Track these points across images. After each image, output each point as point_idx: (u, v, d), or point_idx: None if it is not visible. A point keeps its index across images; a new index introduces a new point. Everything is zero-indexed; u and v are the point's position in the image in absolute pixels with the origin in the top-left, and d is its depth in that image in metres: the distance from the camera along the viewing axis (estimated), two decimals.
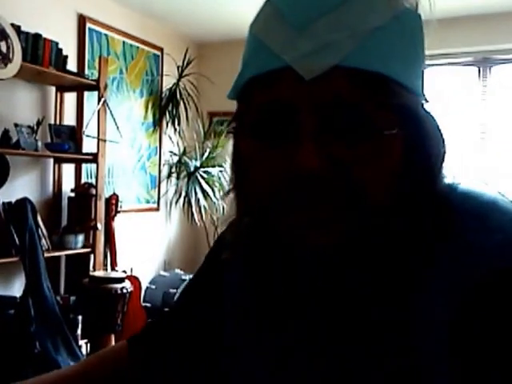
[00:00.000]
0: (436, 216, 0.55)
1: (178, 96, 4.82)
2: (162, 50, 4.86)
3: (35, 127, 3.48)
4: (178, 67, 4.83)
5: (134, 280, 4.12)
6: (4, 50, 3.06)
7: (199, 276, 0.80)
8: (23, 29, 3.30)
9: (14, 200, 3.39)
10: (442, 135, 0.57)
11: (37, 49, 3.38)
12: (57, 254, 3.64)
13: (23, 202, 3.37)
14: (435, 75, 4.66)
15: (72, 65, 3.84)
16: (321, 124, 0.51)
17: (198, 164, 4.92)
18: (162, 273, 4.79)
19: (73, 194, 3.88)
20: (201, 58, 5.24)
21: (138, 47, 4.59)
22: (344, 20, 0.50)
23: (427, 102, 0.56)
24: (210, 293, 0.74)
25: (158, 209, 4.93)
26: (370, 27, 0.50)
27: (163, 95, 4.86)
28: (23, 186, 3.60)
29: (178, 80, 4.83)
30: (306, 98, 0.51)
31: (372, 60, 0.50)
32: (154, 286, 4.56)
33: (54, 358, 3.24)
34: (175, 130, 4.87)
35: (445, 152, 0.57)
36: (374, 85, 0.50)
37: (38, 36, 3.40)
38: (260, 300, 0.64)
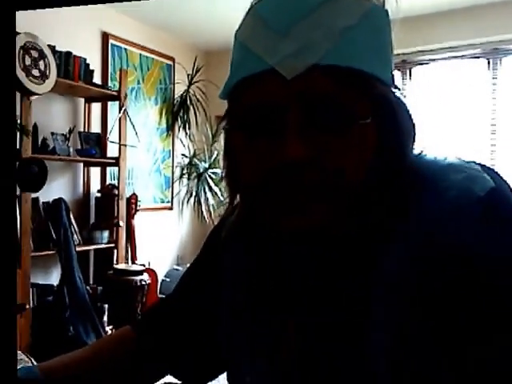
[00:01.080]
0: (401, 191, 0.57)
1: (188, 102, 4.93)
2: (173, 59, 5.00)
3: (68, 135, 3.73)
4: (188, 75, 4.97)
5: (152, 273, 4.24)
6: (42, 68, 3.31)
7: (196, 266, 0.81)
8: (57, 48, 3.53)
9: (51, 200, 3.60)
10: (410, 116, 0.59)
11: (68, 65, 3.62)
12: (86, 248, 3.85)
13: (59, 201, 3.60)
14: (443, 69, 4.37)
15: (97, 78, 4.05)
16: (305, 119, 0.54)
17: (207, 165, 5.03)
18: (176, 266, 4.93)
19: (99, 195, 4.07)
20: (208, 65, 5.28)
21: (153, 58, 4.79)
22: (319, 22, 0.54)
23: (398, 89, 0.59)
24: (208, 282, 0.76)
25: (171, 208, 5.05)
26: (342, 27, 0.54)
27: (175, 102, 4.98)
28: (58, 188, 3.78)
29: (188, 87, 4.96)
30: (290, 96, 0.54)
31: (347, 57, 0.53)
32: (168, 279, 4.69)
33: (84, 342, 3.44)
34: (186, 133, 4.98)
35: (415, 129, 0.60)
36: (351, 79, 0.54)
37: (69, 54, 3.64)
38: (253, 293, 0.66)
